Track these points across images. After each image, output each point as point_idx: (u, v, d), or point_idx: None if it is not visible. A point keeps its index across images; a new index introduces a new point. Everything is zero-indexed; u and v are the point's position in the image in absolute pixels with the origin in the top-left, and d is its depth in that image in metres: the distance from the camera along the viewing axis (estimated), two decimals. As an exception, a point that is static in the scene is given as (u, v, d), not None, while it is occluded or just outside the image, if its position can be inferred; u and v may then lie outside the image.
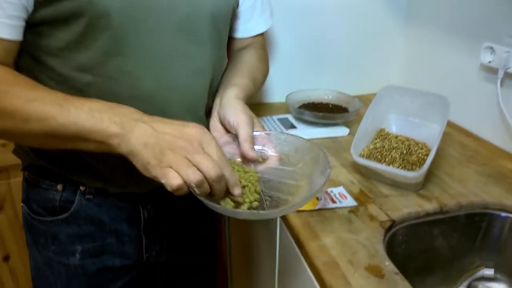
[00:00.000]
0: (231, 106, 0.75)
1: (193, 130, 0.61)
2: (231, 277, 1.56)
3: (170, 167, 0.58)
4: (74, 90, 0.70)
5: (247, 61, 0.91)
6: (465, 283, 0.92)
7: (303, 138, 0.74)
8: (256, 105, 1.34)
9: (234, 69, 0.88)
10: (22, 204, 0.89)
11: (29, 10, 0.66)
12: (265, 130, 0.76)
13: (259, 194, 0.69)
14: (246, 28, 0.95)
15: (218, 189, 0.61)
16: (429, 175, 0.96)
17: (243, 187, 0.67)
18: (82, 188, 0.82)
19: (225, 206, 0.65)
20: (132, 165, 0.62)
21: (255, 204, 0.67)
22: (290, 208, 0.68)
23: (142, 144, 0.59)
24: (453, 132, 1.20)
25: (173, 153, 0.58)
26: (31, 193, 0.86)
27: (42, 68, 0.71)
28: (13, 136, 0.70)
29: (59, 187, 0.82)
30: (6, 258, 1.50)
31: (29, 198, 0.86)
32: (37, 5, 0.65)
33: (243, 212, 0.65)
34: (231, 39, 0.94)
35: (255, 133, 0.73)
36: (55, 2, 0.65)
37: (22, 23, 0.66)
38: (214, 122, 0.78)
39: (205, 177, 0.59)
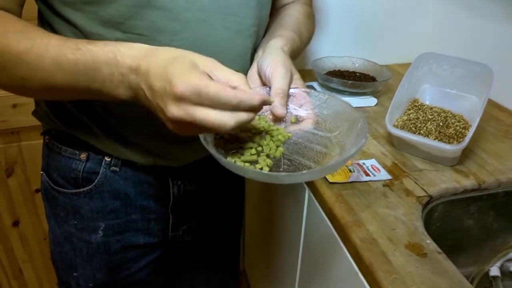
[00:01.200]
0: (271, 56, 0.66)
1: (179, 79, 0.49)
2: (243, 260, 1.52)
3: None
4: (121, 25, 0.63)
5: (293, 15, 0.83)
6: (498, 264, 0.87)
7: (346, 102, 0.66)
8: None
9: (279, 23, 0.80)
10: (41, 172, 0.83)
11: None
12: (305, 88, 0.69)
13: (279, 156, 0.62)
14: None
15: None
16: (465, 150, 0.90)
17: (262, 146, 0.61)
18: (107, 158, 0.76)
19: (233, 161, 0.57)
20: (160, 131, 0.56)
21: (270, 163, 0.60)
22: (305, 175, 0.58)
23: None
24: (488, 107, 1.13)
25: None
26: (52, 160, 0.79)
27: (64, 23, 0.64)
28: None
29: (83, 156, 0.76)
30: (16, 223, 1.47)
31: (49, 166, 0.80)
32: None
33: (248, 169, 0.56)
34: None
35: (292, 90, 0.66)
36: None
37: None
38: (252, 73, 0.69)
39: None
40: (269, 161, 0.59)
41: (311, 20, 0.89)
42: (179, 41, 0.64)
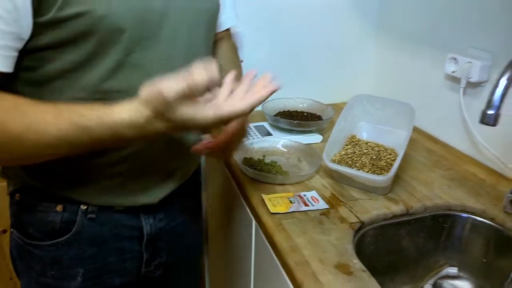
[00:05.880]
0: None
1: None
2: (209, 277, 1.59)
3: None
4: None
5: (227, 55, 0.94)
6: (431, 281, 0.97)
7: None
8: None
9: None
10: (11, 230, 0.84)
11: (25, 37, 0.63)
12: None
13: None
14: (219, 23, 0.96)
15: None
16: (397, 180, 1.01)
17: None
18: (83, 207, 0.78)
19: None
20: (136, 170, 0.66)
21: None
22: None
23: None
24: (421, 139, 1.27)
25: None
26: (25, 217, 0.81)
27: (43, 93, 0.68)
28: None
29: (59, 208, 0.78)
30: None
31: (22, 223, 0.81)
32: (40, 30, 0.63)
33: None
34: None
35: None
36: (65, 23, 0.63)
37: (12, 54, 0.63)
38: None
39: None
40: None
41: (237, 53, 1.01)
42: None
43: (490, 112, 0.66)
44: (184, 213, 0.95)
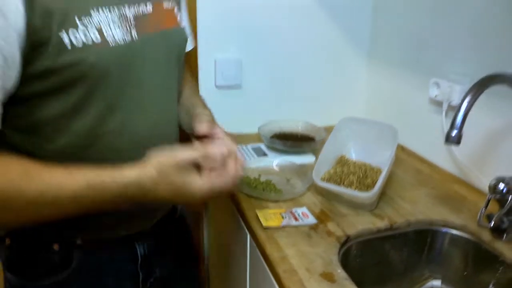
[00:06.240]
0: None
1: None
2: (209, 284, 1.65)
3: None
4: (73, 156, 0.72)
5: (190, 96, 1.03)
6: (417, 294, 1.03)
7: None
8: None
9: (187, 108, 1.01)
10: (6, 274, 0.84)
11: (10, 89, 0.65)
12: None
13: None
14: None
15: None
16: (384, 197, 1.08)
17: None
18: (79, 241, 0.81)
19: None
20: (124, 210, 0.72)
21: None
22: None
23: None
24: (410, 159, 1.34)
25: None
26: (20, 258, 0.82)
27: (35, 141, 0.71)
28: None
29: (55, 246, 0.80)
30: None
31: (18, 265, 0.82)
32: (32, 79, 0.65)
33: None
34: None
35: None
36: (57, 72, 0.66)
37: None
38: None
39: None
40: None
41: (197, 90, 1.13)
42: (139, 128, 0.79)
43: (454, 132, 0.74)
44: (178, 230, 1.02)
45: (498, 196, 0.91)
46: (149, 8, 0.79)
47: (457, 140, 0.75)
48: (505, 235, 0.93)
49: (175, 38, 0.87)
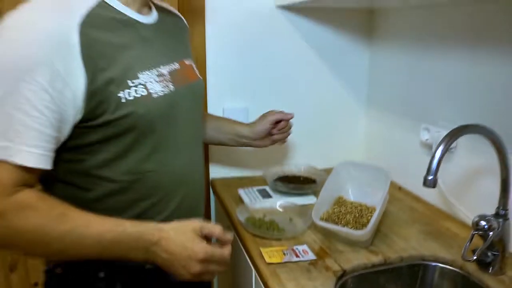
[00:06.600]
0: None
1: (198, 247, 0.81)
2: None
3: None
4: (121, 189, 0.86)
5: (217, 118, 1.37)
6: (412, 325, 1.10)
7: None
8: (238, 178, 1.58)
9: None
10: None
11: (63, 140, 0.79)
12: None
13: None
14: None
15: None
16: (379, 234, 1.17)
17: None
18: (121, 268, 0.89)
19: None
20: None
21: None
22: None
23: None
24: (406, 198, 1.43)
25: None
26: (71, 286, 0.91)
27: (87, 182, 0.85)
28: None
29: (101, 274, 0.89)
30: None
31: None
32: (90, 130, 0.80)
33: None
34: None
35: None
36: (113, 123, 0.80)
37: (53, 154, 0.77)
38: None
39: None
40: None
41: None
42: (176, 167, 0.94)
43: (430, 177, 0.84)
44: None
45: (480, 232, 1.00)
46: (177, 65, 0.97)
47: (433, 184, 0.85)
48: (491, 268, 1.01)
49: (198, 88, 1.06)
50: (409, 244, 1.14)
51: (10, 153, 0.72)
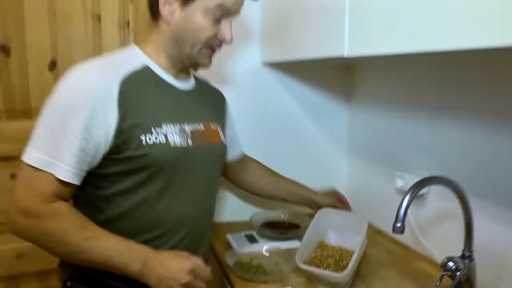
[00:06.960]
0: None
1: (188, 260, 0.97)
2: None
3: None
4: (129, 216, 1.02)
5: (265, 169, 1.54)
6: None
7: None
8: (226, 224, 1.66)
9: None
10: None
11: (94, 166, 0.98)
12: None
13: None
14: (236, 149, 1.45)
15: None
16: (359, 276, 1.26)
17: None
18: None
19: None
20: None
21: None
22: None
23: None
24: (385, 242, 1.52)
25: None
26: None
27: (106, 205, 1.02)
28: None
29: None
30: None
31: None
32: (114, 162, 0.98)
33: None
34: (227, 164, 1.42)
35: None
36: (133, 159, 0.98)
37: (84, 174, 0.97)
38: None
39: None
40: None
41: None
42: (182, 209, 1.09)
43: (398, 225, 0.94)
44: None
45: (449, 273, 1.09)
46: (201, 127, 1.14)
47: (401, 230, 0.94)
48: (461, 307, 1.10)
49: (218, 149, 1.20)
50: (387, 285, 1.22)
51: (53, 168, 0.92)
